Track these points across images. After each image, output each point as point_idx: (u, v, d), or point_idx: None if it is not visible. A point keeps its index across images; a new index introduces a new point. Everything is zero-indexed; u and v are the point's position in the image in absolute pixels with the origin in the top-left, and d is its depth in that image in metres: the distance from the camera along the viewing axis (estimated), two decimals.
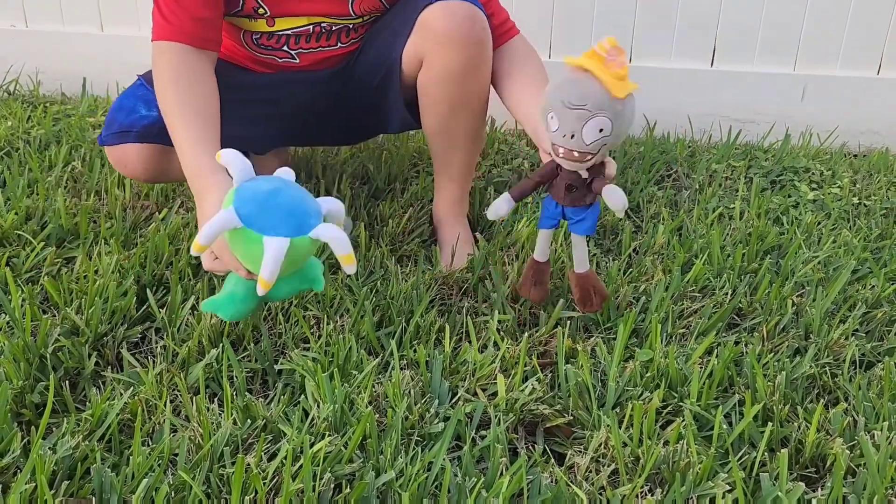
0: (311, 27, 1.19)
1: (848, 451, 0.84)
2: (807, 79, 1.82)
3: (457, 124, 1.22)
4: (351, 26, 1.22)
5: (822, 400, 0.94)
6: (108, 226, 1.27)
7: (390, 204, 1.38)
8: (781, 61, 1.83)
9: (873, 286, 1.22)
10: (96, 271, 1.14)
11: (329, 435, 0.85)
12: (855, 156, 1.78)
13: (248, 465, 0.80)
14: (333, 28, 1.20)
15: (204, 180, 0.98)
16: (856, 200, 1.52)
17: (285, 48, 1.22)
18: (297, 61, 1.24)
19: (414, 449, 0.85)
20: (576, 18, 1.81)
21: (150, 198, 1.40)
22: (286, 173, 0.93)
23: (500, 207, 0.99)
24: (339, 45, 1.23)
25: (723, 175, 1.61)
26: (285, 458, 0.81)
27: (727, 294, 1.17)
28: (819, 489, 0.82)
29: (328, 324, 1.05)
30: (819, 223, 1.43)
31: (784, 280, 1.22)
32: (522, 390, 0.94)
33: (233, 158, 0.88)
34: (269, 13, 1.17)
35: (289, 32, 1.20)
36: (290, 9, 1.17)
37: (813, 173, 1.64)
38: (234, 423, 0.87)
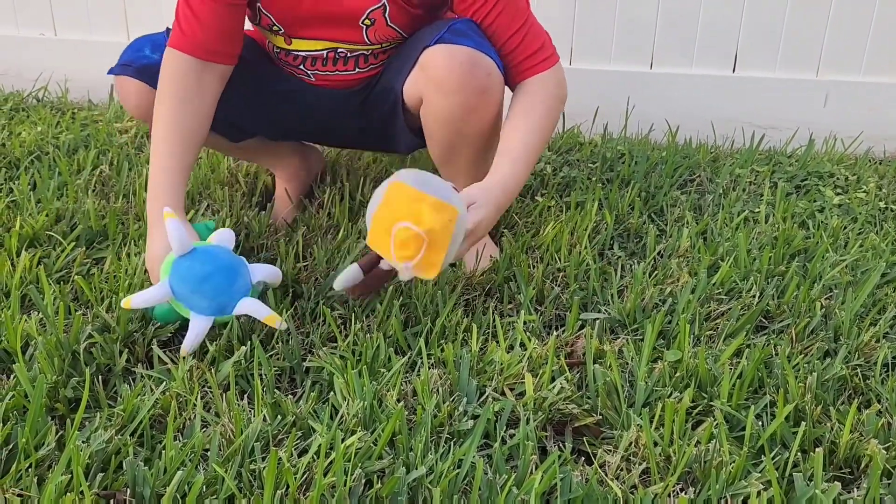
0: (326, 52, 1.19)
1: (884, 452, 0.83)
2: (829, 84, 1.82)
3: (459, 157, 1.20)
4: (368, 52, 1.20)
5: (854, 401, 0.93)
6: (136, 227, 1.28)
7: None
8: (804, 67, 1.82)
9: None
10: (125, 271, 1.15)
11: (359, 431, 0.85)
12: (880, 161, 1.76)
13: (280, 459, 0.80)
14: (350, 55, 1.19)
15: (156, 211, 1.08)
16: (882, 205, 1.51)
17: (301, 67, 1.23)
18: (312, 80, 1.24)
19: (444, 446, 0.85)
20: (597, 25, 1.82)
21: None
22: (225, 240, 1.05)
23: (347, 279, 0.98)
24: (357, 69, 1.22)
25: (747, 180, 1.60)
26: (317, 453, 0.81)
27: (754, 296, 1.16)
28: (854, 490, 0.81)
29: (355, 323, 1.05)
30: (845, 227, 1.42)
31: (812, 283, 1.21)
32: (551, 389, 0.94)
33: (173, 229, 0.99)
34: (283, 31, 1.18)
35: (304, 54, 1.20)
36: (305, 32, 1.18)
37: (837, 178, 1.63)
38: (265, 419, 0.88)
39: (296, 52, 1.21)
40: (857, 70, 1.81)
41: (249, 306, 1.00)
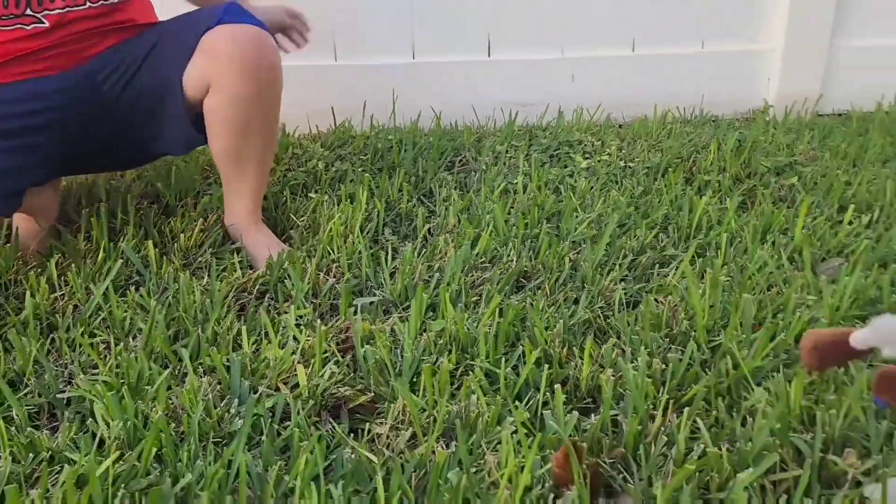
0: None
1: (614, 379, 0.95)
2: (574, 61, 2.00)
3: (247, 148, 1.23)
4: None
5: (589, 338, 1.05)
6: None
7: (182, 219, 1.35)
8: (551, 47, 1.99)
9: (638, 236, 1.36)
10: None
11: (123, 453, 0.82)
12: (620, 126, 1.97)
13: (33, 500, 0.76)
14: None
15: None
16: (622, 164, 1.69)
17: (29, 11, 1.15)
18: (46, 24, 1.17)
19: (214, 450, 0.85)
20: (358, 20, 1.87)
21: None
22: None
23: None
24: (88, 3, 1.18)
25: (507, 155, 1.72)
26: (76, 484, 0.78)
27: (512, 260, 1.26)
28: (593, 416, 0.92)
29: (117, 346, 1.01)
30: (592, 188, 1.57)
31: (562, 241, 1.33)
32: (321, 376, 0.96)
33: None
34: None
35: None
36: None
37: (586, 145, 1.80)
38: (14, 459, 0.82)
39: None
40: (596, 45, 2.01)
41: None
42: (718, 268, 1.24)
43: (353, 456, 0.85)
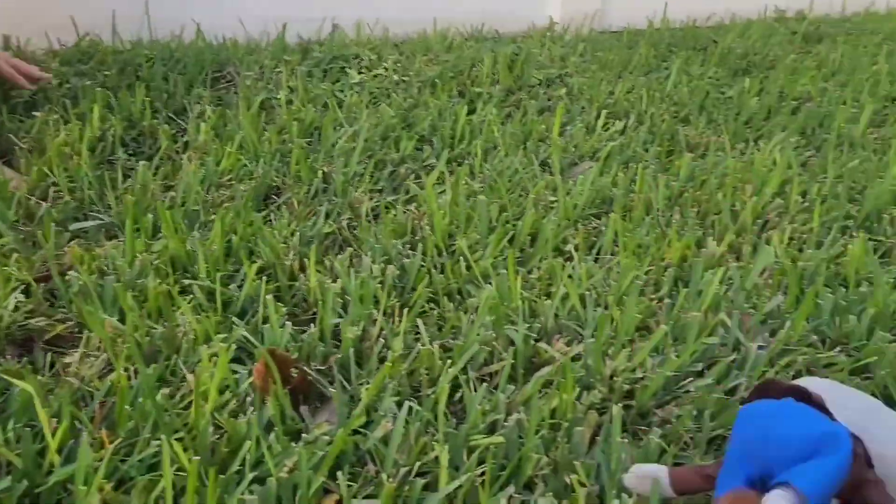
0: None
1: (338, 288, 0.90)
2: None
3: None
4: None
5: (340, 250, 1.00)
6: None
7: None
8: None
9: (400, 148, 1.32)
10: None
11: None
12: (402, 42, 1.91)
13: None
14: None
15: None
16: (396, 78, 1.63)
17: None
18: None
19: None
20: None
21: None
22: None
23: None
24: None
25: (275, 70, 1.61)
26: None
27: (260, 176, 1.18)
28: (312, 326, 0.87)
29: None
30: (362, 102, 1.51)
31: (317, 155, 1.26)
32: (5, 308, 0.84)
33: None
34: None
35: None
36: None
37: (362, 60, 1.72)
38: None
39: None
40: None
41: None
42: (469, 174, 1.23)
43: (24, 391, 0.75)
